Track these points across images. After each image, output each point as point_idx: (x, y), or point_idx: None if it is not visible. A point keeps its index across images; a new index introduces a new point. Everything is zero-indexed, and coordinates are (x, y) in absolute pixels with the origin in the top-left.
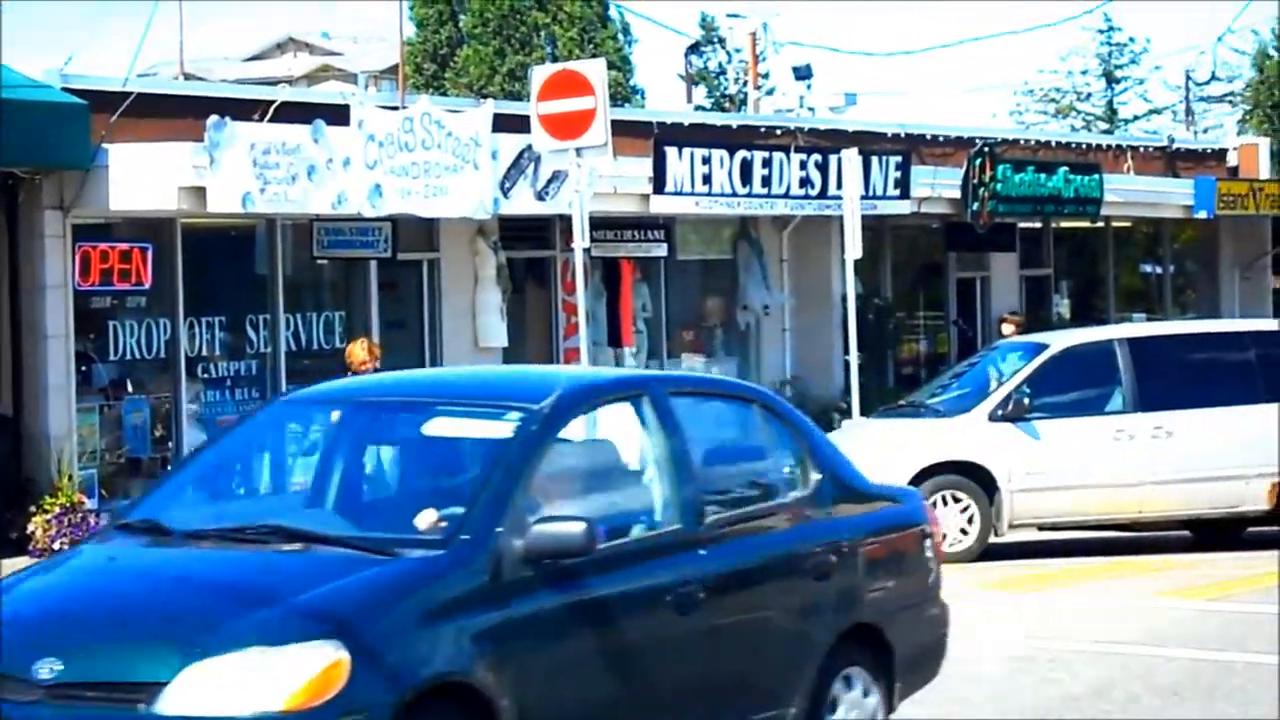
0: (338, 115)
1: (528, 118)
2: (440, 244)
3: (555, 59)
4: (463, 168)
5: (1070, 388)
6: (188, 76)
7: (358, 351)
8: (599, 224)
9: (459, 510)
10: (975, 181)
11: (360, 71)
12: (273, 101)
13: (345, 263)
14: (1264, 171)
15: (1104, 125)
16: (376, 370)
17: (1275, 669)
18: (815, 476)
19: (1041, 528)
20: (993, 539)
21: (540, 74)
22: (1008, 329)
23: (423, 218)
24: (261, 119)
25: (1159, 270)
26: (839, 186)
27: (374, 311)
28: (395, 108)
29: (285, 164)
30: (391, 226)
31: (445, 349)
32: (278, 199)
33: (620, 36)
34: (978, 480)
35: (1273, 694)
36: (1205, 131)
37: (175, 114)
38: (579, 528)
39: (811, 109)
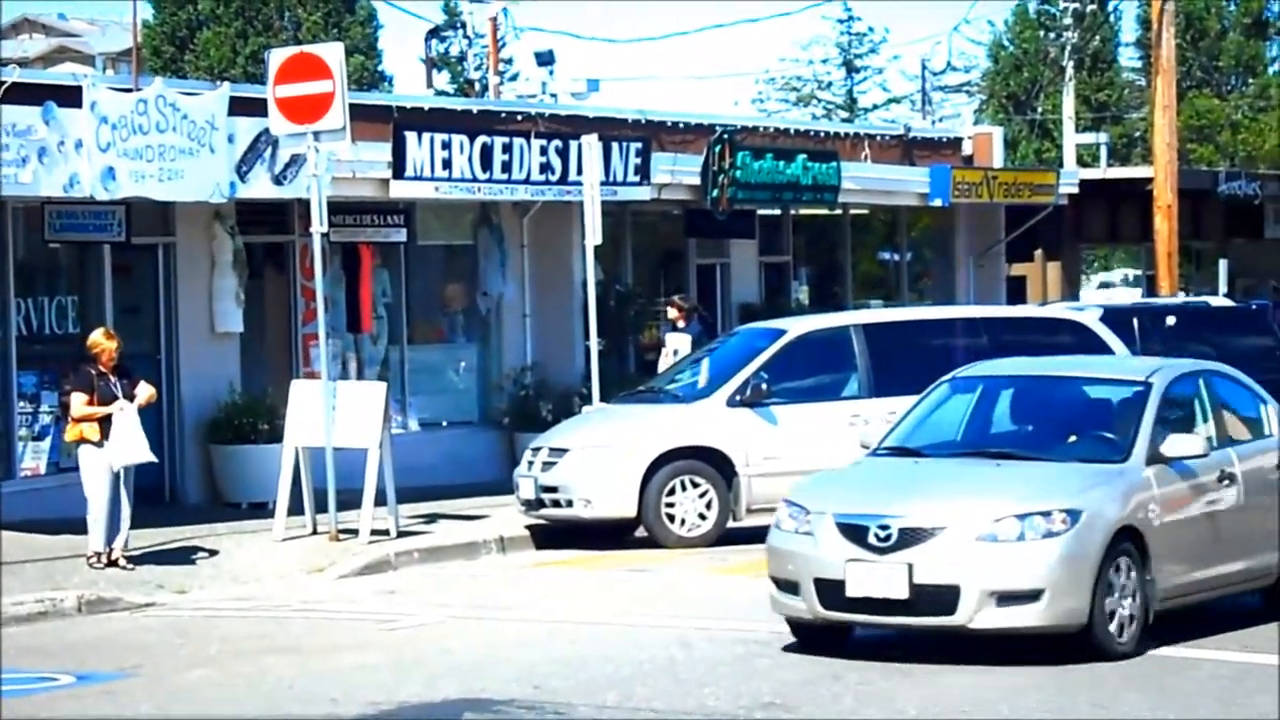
0: (70, 97)
1: (267, 101)
2: (176, 228)
3: (299, 43)
4: (199, 151)
5: (807, 373)
6: None
7: (102, 340)
8: (338, 209)
9: None
10: (715, 168)
11: (98, 54)
12: (3, 82)
13: (79, 246)
14: (998, 160)
15: (844, 114)
16: (115, 357)
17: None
18: None
19: None
20: (731, 524)
21: (277, 57)
22: (673, 313)
23: (158, 201)
24: None
25: (896, 257)
26: (579, 172)
27: (108, 296)
28: (130, 90)
29: (15, 146)
30: (126, 210)
31: (181, 334)
32: (7, 181)
33: (367, 22)
34: (716, 465)
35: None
36: (941, 120)
37: None
38: None
39: (554, 95)
